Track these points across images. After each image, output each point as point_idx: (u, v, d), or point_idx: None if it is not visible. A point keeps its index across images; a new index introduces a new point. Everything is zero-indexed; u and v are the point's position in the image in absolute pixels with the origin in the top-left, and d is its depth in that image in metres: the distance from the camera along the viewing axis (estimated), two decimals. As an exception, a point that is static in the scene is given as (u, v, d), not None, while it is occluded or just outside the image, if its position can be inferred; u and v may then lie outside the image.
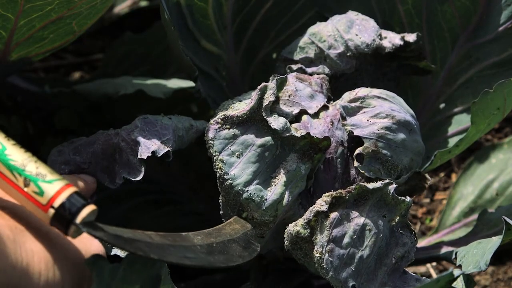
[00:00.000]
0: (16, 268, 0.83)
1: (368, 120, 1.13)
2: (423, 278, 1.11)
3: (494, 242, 1.08)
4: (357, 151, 1.12)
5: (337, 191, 1.06)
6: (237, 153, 1.09)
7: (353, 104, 1.15)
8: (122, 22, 1.88)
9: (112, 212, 1.31)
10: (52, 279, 0.86)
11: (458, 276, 0.99)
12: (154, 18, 1.72)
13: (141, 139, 1.08)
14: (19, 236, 0.86)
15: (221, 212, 1.16)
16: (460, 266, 1.11)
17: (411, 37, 1.27)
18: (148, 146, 1.08)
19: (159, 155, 1.08)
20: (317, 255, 1.04)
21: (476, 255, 1.10)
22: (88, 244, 0.92)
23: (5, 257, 0.83)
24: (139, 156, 1.07)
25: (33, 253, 0.86)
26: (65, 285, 0.87)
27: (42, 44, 1.21)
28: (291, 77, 1.18)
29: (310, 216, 1.05)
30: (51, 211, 0.85)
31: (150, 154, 1.07)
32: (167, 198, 1.37)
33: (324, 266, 1.04)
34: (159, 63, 1.66)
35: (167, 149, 1.09)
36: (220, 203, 1.13)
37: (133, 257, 0.79)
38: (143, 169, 1.08)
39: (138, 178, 1.08)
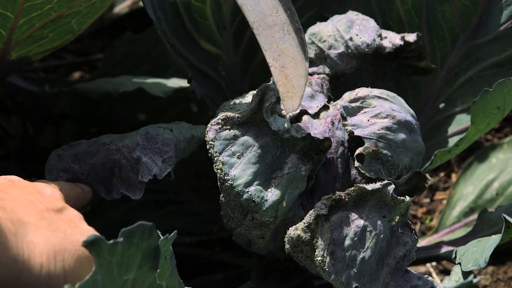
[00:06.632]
0: (17, 260, 0.84)
1: (368, 120, 1.12)
2: (425, 276, 1.11)
3: (494, 240, 1.08)
4: (358, 151, 1.12)
5: (336, 194, 1.05)
6: (237, 154, 1.09)
7: (353, 104, 1.14)
8: (122, 22, 1.88)
9: (112, 212, 1.30)
10: (53, 271, 0.86)
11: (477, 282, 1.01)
12: (154, 18, 1.72)
13: (142, 158, 1.09)
14: (21, 229, 0.86)
15: (221, 212, 1.16)
16: (459, 264, 1.12)
17: (411, 37, 1.27)
18: (150, 168, 1.08)
19: (160, 178, 1.08)
20: (319, 258, 1.04)
21: (476, 253, 1.10)
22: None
23: (6, 250, 0.83)
24: (140, 178, 1.08)
25: (34, 246, 0.86)
26: (67, 277, 0.87)
27: (41, 43, 1.21)
28: (292, 77, 1.18)
29: (310, 220, 1.05)
30: None
31: (151, 177, 1.08)
32: (167, 198, 1.37)
33: (326, 269, 1.04)
34: (159, 63, 1.66)
35: (168, 169, 1.09)
36: (221, 204, 1.13)
37: (129, 230, 0.79)
38: (143, 190, 1.09)
39: (137, 198, 1.09)
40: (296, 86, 1.09)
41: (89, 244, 0.77)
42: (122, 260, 0.79)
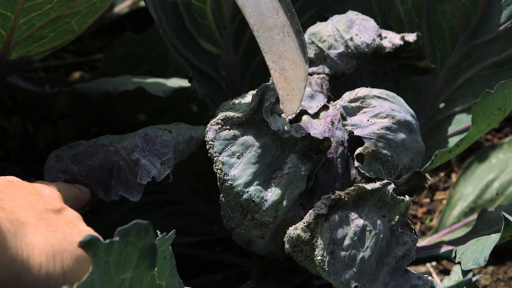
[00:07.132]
0: (16, 261, 0.84)
1: (368, 120, 1.12)
2: (424, 276, 1.11)
3: (493, 238, 1.08)
4: (358, 151, 1.12)
5: (336, 193, 1.05)
6: (237, 154, 1.09)
7: (353, 104, 1.14)
8: (122, 22, 1.88)
9: (111, 213, 1.30)
10: (52, 271, 0.86)
11: (476, 280, 1.01)
12: (154, 18, 1.72)
13: (141, 161, 1.09)
14: (20, 229, 0.86)
15: (221, 212, 1.16)
16: (459, 263, 1.12)
17: (411, 37, 1.27)
18: (148, 170, 1.08)
19: (159, 180, 1.08)
20: (318, 257, 1.04)
21: (475, 252, 1.10)
22: None
23: (5, 250, 0.83)
24: (138, 180, 1.08)
25: (33, 246, 0.86)
26: (65, 277, 0.87)
27: (41, 43, 1.21)
28: (291, 77, 1.18)
29: (310, 219, 1.05)
30: None
31: (150, 180, 1.08)
32: (167, 198, 1.37)
33: (326, 269, 1.04)
34: (159, 63, 1.66)
35: (167, 171, 1.09)
36: (221, 204, 1.13)
37: (125, 229, 0.79)
38: (142, 192, 1.09)
39: (136, 200, 1.09)
40: (295, 89, 1.09)
41: (85, 244, 0.77)
42: (119, 259, 0.79)
